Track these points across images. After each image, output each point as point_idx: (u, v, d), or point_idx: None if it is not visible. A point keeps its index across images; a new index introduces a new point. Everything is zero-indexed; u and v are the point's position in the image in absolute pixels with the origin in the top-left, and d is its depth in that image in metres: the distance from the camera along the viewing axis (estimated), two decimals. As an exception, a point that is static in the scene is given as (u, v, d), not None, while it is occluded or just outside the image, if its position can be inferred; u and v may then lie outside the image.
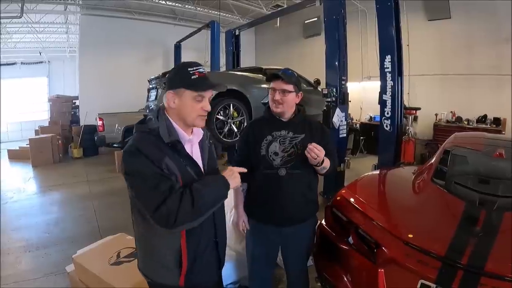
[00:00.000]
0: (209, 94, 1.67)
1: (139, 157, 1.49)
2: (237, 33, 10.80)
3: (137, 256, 1.88)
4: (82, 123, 11.56)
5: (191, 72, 1.61)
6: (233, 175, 1.67)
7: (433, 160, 3.36)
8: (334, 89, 5.89)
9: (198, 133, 1.79)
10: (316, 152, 2.03)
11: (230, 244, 2.90)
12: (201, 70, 1.64)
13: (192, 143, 1.74)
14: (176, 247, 1.63)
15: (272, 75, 2.28)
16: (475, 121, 8.96)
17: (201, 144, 1.80)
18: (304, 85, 6.84)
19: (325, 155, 2.19)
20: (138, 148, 1.52)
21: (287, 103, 2.24)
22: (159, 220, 1.47)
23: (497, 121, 8.54)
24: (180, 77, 1.62)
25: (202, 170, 1.72)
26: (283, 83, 2.22)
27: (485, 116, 8.79)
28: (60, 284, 3.54)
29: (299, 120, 2.33)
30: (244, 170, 1.74)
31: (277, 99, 2.22)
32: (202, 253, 1.71)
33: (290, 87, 2.23)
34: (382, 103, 5.85)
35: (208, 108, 1.68)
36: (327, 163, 2.22)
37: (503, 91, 8.31)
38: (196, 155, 1.74)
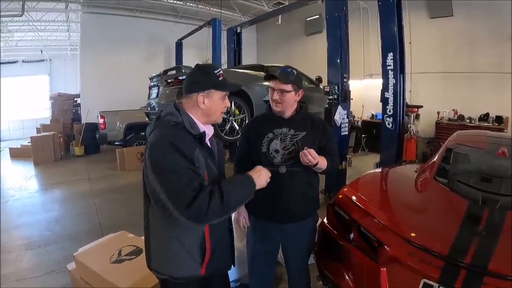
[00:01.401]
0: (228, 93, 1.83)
1: (172, 152, 1.54)
2: (238, 30, 10.77)
3: (140, 251, 1.90)
4: (83, 121, 11.57)
5: (217, 74, 1.74)
6: (260, 175, 1.76)
7: (435, 158, 3.34)
8: (336, 87, 5.87)
9: (210, 130, 1.85)
10: (309, 158, 2.05)
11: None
12: (222, 72, 1.78)
13: (208, 137, 1.82)
14: (200, 235, 1.73)
15: (270, 75, 2.28)
16: (477, 119, 8.93)
17: (210, 140, 1.88)
18: (306, 83, 6.82)
19: (325, 154, 2.23)
20: (171, 142, 1.55)
21: (286, 102, 2.24)
22: (190, 216, 1.50)
23: (499, 119, 8.51)
24: (210, 79, 1.73)
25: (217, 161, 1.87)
26: (281, 83, 2.21)
27: (487, 114, 8.76)
28: (61, 282, 3.54)
29: (300, 118, 2.32)
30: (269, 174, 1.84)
31: (276, 98, 2.23)
32: (221, 240, 1.85)
33: (288, 87, 2.22)
34: (384, 101, 5.83)
35: (228, 104, 1.85)
36: (323, 164, 2.18)
37: (505, 89, 8.28)
38: (213, 144, 1.90)
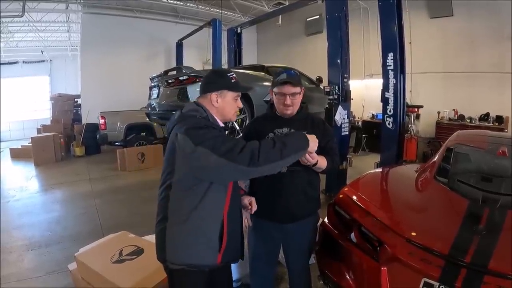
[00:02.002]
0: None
1: (212, 130, 1.71)
2: (239, 31, 10.78)
3: (141, 251, 1.93)
4: (84, 121, 11.57)
5: (230, 77, 1.91)
6: (314, 139, 1.90)
7: (435, 158, 3.34)
8: (336, 87, 5.87)
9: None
10: (307, 158, 2.06)
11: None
12: (234, 75, 1.94)
13: None
14: (220, 223, 1.81)
15: (281, 82, 2.24)
16: (477, 119, 8.93)
17: None
18: (306, 83, 6.83)
19: (325, 154, 2.23)
20: (206, 124, 1.73)
21: (296, 104, 2.27)
22: (244, 158, 1.60)
23: (499, 119, 8.51)
24: (224, 81, 1.89)
25: None
26: (292, 87, 2.22)
27: (487, 114, 8.76)
28: (62, 282, 3.54)
29: (301, 117, 2.32)
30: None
31: (289, 103, 2.23)
32: (236, 230, 1.95)
33: (298, 89, 2.24)
34: (384, 101, 5.83)
35: (241, 105, 1.99)
36: (323, 163, 2.19)
37: (505, 89, 8.27)
38: None
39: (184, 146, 1.65)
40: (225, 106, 1.90)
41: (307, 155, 2.05)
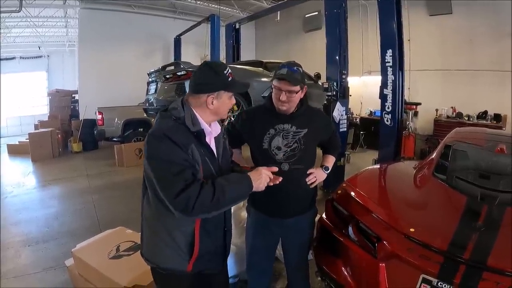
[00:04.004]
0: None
1: (166, 142, 1.56)
2: (237, 26, 10.78)
3: (138, 247, 1.90)
4: (81, 117, 11.53)
5: (227, 74, 1.73)
6: (260, 177, 1.72)
7: (434, 155, 3.34)
8: (335, 83, 5.88)
9: (217, 128, 1.87)
10: (311, 180, 2.26)
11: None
12: (231, 71, 1.77)
13: (211, 136, 1.81)
14: (189, 231, 1.71)
15: (279, 77, 2.17)
16: (475, 117, 8.94)
17: (217, 138, 1.87)
18: (305, 85, 6.82)
19: (329, 151, 2.42)
20: (165, 133, 1.58)
21: (293, 102, 2.19)
22: (178, 205, 1.51)
23: (497, 117, 8.51)
24: (220, 80, 1.71)
25: (218, 162, 1.82)
26: (290, 85, 2.13)
27: (485, 112, 8.77)
28: (59, 278, 3.53)
29: (301, 113, 2.28)
30: (275, 169, 1.83)
31: (284, 99, 2.15)
32: (213, 241, 1.81)
33: (296, 88, 2.15)
34: (383, 97, 5.84)
35: (234, 101, 1.84)
36: (331, 163, 2.41)
37: (504, 87, 8.29)
38: (213, 148, 1.81)
39: (144, 149, 1.65)
40: (220, 107, 1.76)
41: (314, 178, 2.26)
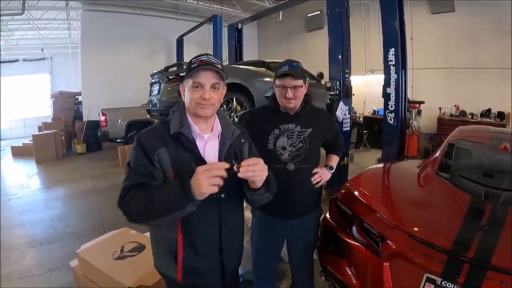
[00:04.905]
0: (208, 81, 1.54)
1: (136, 146, 1.54)
2: (239, 27, 10.77)
3: (142, 247, 1.90)
4: (85, 118, 11.56)
5: (193, 61, 1.58)
6: (197, 181, 1.34)
7: (437, 154, 3.33)
8: (338, 83, 5.87)
9: (217, 130, 1.65)
10: (319, 180, 2.31)
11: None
12: (203, 58, 1.57)
13: (207, 139, 1.61)
14: (173, 238, 1.60)
15: (282, 74, 2.17)
16: (479, 115, 8.90)
17: (222, 140, 1.64)
18: (308, 79, 6.81)
19: (333, 150, 2.46)
20: (138, 136, 1.56)
21: (299, 98, 2.18)
22: (122, 208, 1.50)
23: (501, 115, 8.48)
24: (187, 68, 1.59)
25: (211, 160, 1.56)
26: (293, 79, 2.14)
27: (489, 110, 8.73)
28: (64, 279, 3.55)
29: (305, 113, 2.28)
30: (227, 165, 1.37)
31: (291, 96, 2.13)
32: (203, 257, 1.63)
33: (300, 82, 2.16)
34: (386, 96, 5.83)
35: (206, 96, 1.52)
36: (335, 163, 2.44)
37: (507, 85, 8.24)
38: (211, 152, 1.61)
39: None
40: (187, 98, 1.58)
41: (319, 178, 2.28)
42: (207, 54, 1.61)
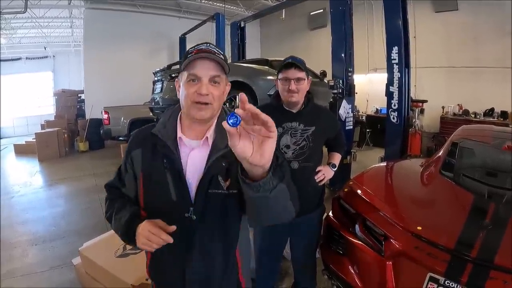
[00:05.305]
0: (206, 73, 1.24)
1: (127, 155, 1.42)
2: (242, 25, 10.77)
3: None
4: (87, 116, 11.58)
5: (190, 50, 1.29)
6: (143, 235, 1.20)
7: (441, 153, 3.32)
8: (341, 81, 5.87)
9: (209, 138, 1.31)
10: (322, 178, 2.32)
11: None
12: (202, 46, 1.27)
13: (193, 146, 1.31)
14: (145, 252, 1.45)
15: (286, 64, 2.18)
16: (482, 114, 8.87)
17: (212, 150, 1.28)
18: (310, 77, 6.80)
19: (335, 148, 2.46)
20: (130, 147, 1.42)
21: (302, 91, 2.18)
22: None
23: (504, 114, 8.45)
24: (183, 58, 1.29)
25: (194, 178, 1.28)
26: (297, 71, 2.14)
27: (492, 109, 8.70)
28: (66, 277, 3.55)
29: (308, 111, 2.28)
30: (173, 228, 1.18)
31: (293, 88, 2.13)
32: (168, 275, 1.39)
33: (303, 74, 2.16)
34: (389, 95, 5.83)
35: (203, 91, 1.21)
36: (337, 161, 2.44)
37: (506, 84, 8.21)
38: (195, 162, 1.29)
39: None
40: (180, 96, 1.29)
41: (323, 176, 2.31)
42: (207, 43, 1.30)
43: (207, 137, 1.30)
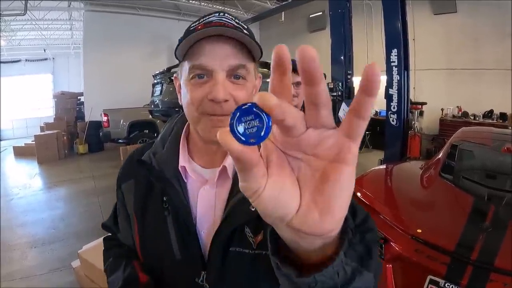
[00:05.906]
0: (221, 63, 0.76)
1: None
2: (241, 27, 10.77)
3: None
4: (87, 119, 11.56)
5: (192, 26, 0.81)
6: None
7: (440, 155, 3.33)
8: (340, 84, 5.88)
9: (230, 167, 0.83)
10: None
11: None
12: (211, 18, 0.81)
13: (207, 178, 0.87)
14: None
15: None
16: (481, 116, 8.87)
17: (234, 184, 0.83)
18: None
19: None
20: (122, 172, 1.11)
21: (301, 95, 2.04)
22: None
23: (503, 116, 8.45)
24: (183, 37, 0.78)
25: (208, 227, 0.84)
26: (296, 75, 2.04)
27: (491, 111, 8.71)
28: (66, 280, 3.54)
29: None
30: None
31: (293, 93, 2.03)
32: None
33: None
34: (388, 97, 5.83)
35: (219, 95, 0.73)
36: None
37: (509, 86, 8.22)
38: (209, 201, 0.85)
39: None
40: (183, 102, 0.82)
41: None
42: (220, 12, 0.85)
43: (225, 166, 0.83)
